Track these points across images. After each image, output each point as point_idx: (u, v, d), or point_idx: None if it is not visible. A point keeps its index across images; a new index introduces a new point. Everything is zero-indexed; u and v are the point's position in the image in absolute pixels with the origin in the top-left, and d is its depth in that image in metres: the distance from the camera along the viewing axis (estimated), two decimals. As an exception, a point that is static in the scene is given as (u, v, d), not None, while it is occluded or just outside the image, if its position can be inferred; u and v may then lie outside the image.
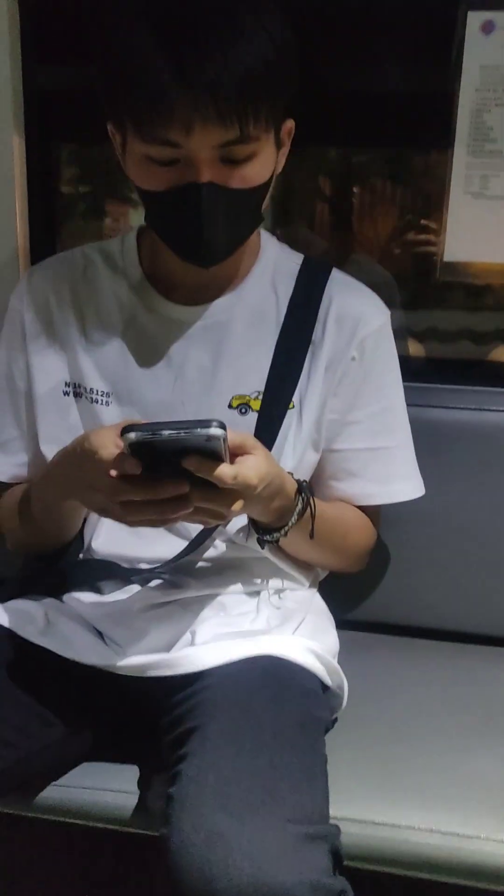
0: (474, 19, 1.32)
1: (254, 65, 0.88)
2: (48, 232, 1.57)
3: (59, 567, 1.16)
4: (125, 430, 0.81)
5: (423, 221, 1.57)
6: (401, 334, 1.41)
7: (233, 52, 0.87)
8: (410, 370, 1.23)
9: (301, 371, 1.11)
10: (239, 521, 1.10)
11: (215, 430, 0.79)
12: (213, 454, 0.83)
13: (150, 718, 1.05)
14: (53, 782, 1.06)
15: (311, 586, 1.20)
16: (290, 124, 1.03)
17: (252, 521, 1.05)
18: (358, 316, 1.12)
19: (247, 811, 0.81)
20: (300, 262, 1.16)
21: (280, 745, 0.89)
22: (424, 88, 1.42)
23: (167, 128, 0.90)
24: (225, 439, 0.81)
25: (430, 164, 1.56)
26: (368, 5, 1.38)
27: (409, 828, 0.96)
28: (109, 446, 0.87)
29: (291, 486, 1.01)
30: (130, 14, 0.91)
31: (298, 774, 0.87)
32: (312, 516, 1.04)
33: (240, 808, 0.81)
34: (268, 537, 1.04)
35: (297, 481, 1.03)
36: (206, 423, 0.79)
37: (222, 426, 0.80)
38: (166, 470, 0.84)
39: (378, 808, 0.98)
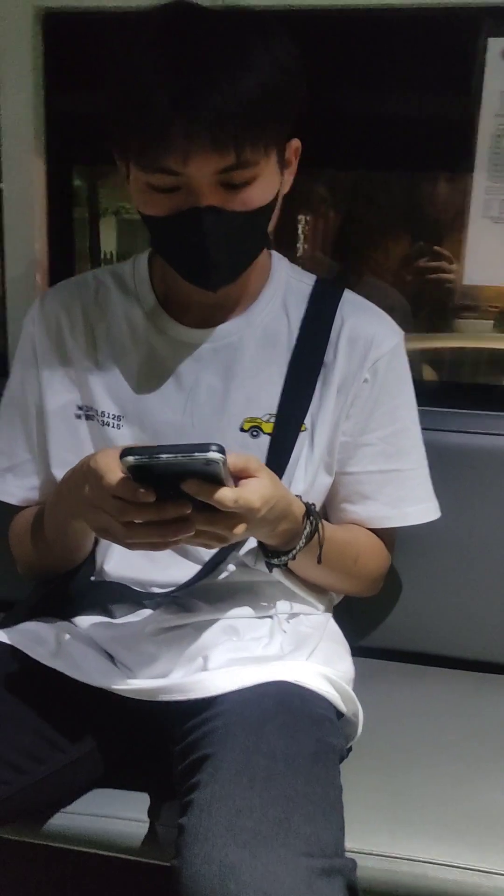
0: (495, 45, 1.33)
1: (252, 92, 0.89)
2: (66, 250, 1.59)
3: (71, 589, 1.15)
4: (123, 454, 0.80)
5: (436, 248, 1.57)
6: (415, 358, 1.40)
7: (231, 81, 0.88)
8: (426, 394, 1.22)
9: (313, 393, 1.10)
10: (249, 545, 1.09)
11: (213, 455, 0.79)
12: (213, 478, 0.83)
13: (161, 744, 1.03)
14: (62, 809, 1.04)
15: (325, 611, 1.19)
16: (295, 144, 1.03)
17: (260, 545, 1.04)
18: (370, 338, 1.11)
19: (260, 843, 0.79)
20: (312, 283, 1.16)
21: (293, 774, 0.87)
22: (445, 114, 1.43)
23: (165, 157, 0.91)
24: (224, 463, 0.81)
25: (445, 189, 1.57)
26: (390, 32, 1.39)
27: (427, 862, 0.93)
28: (114, 468, 0.87)
29: (299, 509, 1.00)
30: (135, 45, 0.92)
31: (313, 805, 0.85)
32: (321, 540, 1.03)
33: (252, 841, 0.79)
34: (276, 560, 1.03)
35: (305, 504, 1.02)
36: (204, 448, 0.79)
37: (221, 450, 0.79)
38: (168, 492, 0.83)
39: (395, 841, 0.96)
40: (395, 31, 1.39)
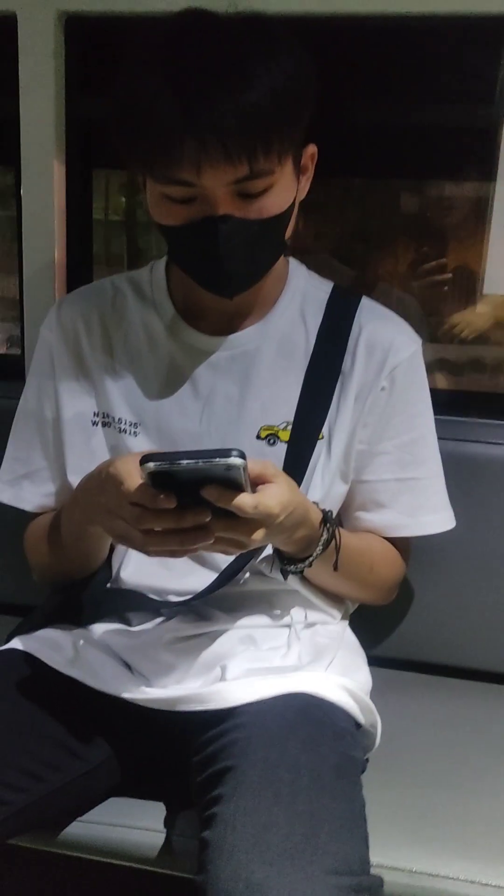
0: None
1: (262, 103, 0.88)
2: (84, 253, 1.59)
3: (87, 597, 1.14)
4: (144, 460, 0.80)
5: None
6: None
7: (241, 93, 0.87)
8: (444, 403, 1.21)
9: (331, 401, 1.10)
10: (265, 552, 1.08)
11: (234, 460, 0.78)
12: (233, 483, 0.82)
13: (177, 754, 1.03)
14: (79, 818, 1.04)
15: (342, 619, 1.18)
16: (311, 150, 1.02)
17: (277, 552, 1.04)
18: (388, 345, 1.10)
19: (286, 861, 0.79)
20: (329, 290, 1.15)
21: (319, 789, 0.87)
22: (468, 122, 1.43)
23: (178, 170, 0.91)
24: (245, 468, 0.80)
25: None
26: (413, 42, 1.39)
27: (448, 878, 0.93)
28: (134, 475, 0.86)
29: (316, 516, 1.00)
30: (142, 57, 0.91)
31: (339, 821, 0.84)
32: (337, 547, 1.03)
33: (279, 858, 0.79)
34: (292, 568, 1.03)
35: (323, 511, 1.02)
36: (225, 453, 0.78)
37: (242, 455, 0.79)
38: (187, 499, 0.83)
39: (416, 857, 0.95)
40: (418, 40, 1.38)
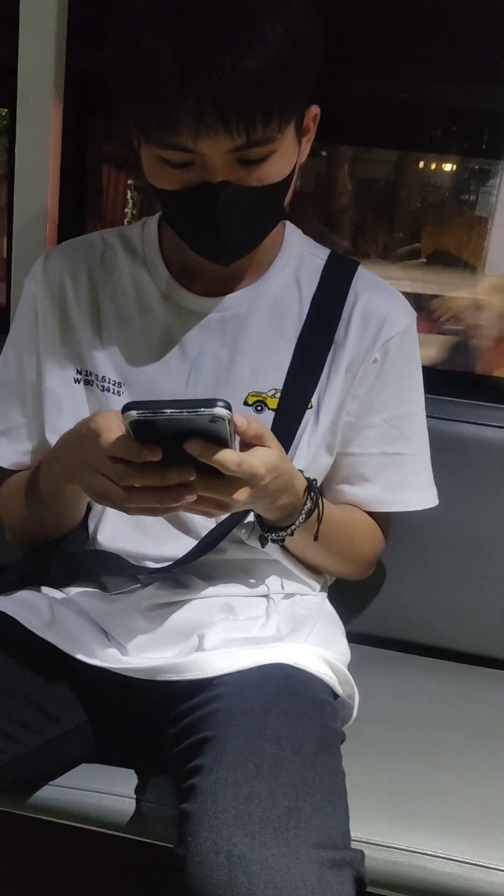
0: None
1: (264, 69, 0.84)
2: (77, 203, 1.56)
3: (63, 557, 1.12)
4: (126, 408, 0.78)
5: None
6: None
7: (242, 57, 0.83)
8: (438, 383, 1.21)
9: (322, 371, 1.08)
10: (244, 519, 1.06)
11: (220, 411, 0.76)
12: (217, 438, 0.80)
13: (153, 723, 1.02)
14: (51, 782, 1.03)
15: (321, 591, 1.18)
16: (314, 111, 0.99)
17: (258, 518, 1.02)
18: (383, 316, 1.09)
19: (269, 833, 0.78)
20: (325, 256, 1.13)
21: (301, 761, 0.86)
22: (478, 104, 1.42)
23: (175, 135, 0.87)
24: (231, 421, 0.79)
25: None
26: (427, 23, 1.37)
27: (425, 854, 0.93)
28: (115, 428, 0.84)
29: (301, 484, 0.99)
30: (138, 13, 0.87)
31: (321, 794, 0.84)
32: (319, 517, 1.02)
33: (261, 830, 0.78)
34: (273, 536, 1.02)
35: (308, 479, 1.00)
36: (210, 403, 0.76)
37: (228, 407, 0.77)
38: (170, 455, 0.81)
39: (394, 832, 0.95)
40: (433, 20, 1.36)
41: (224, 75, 0.83)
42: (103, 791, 1.02)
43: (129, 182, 2.07)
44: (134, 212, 2.09)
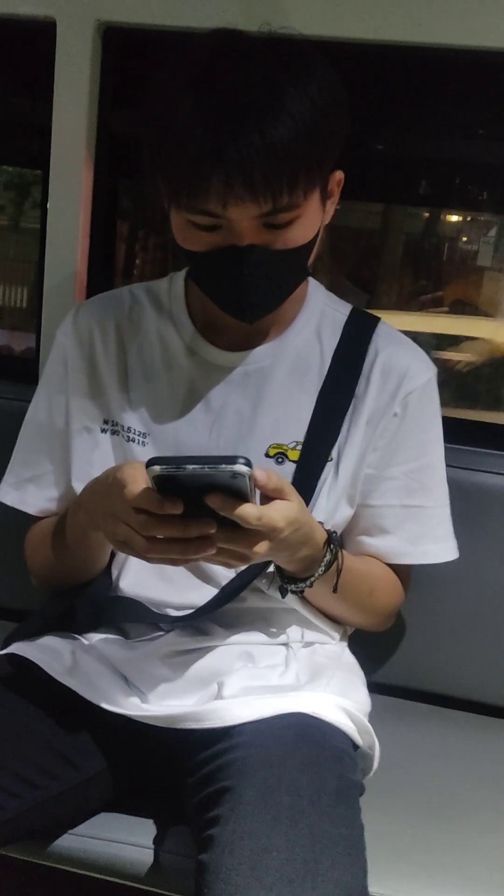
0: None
1: (290, 140, 0.88)
2: (106, 264, 1.59)
3: (86, 603, 1.13)
4: (150, 463, 0.80)
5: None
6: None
7: (269, 130, 0.87)
8: (454, 432, 1.21)
9: (342, 424, 1.09)
10: (265, 569, 1.07)
11: (240, 467, 0.78)
12: (238, 493, 0.82)
13: (172, 771, 1.02)
14: (70, 831, 1.03)
15: (340, 640, 1.18)
16: (338, 176, 1.02)
17: (278, 569, 1.03)
18: (404, 371, 1.10)
19: (287, 886, 0.77)
20: (347, 312, 1.15)
21: (319, 813, 0.85)
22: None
23: (204, 201, 0.91)
24: (251, 478, 0.80)
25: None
26: (443, 71, 1.40)
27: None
28: (139, 479, 0.86)
29: (321, 536, 1.00)
30: (175, 83, 0.91)
31: (339, 847, 0.83)
32: (339, 569, 1.02)
33: (279, 883, 0.78)
34: (292, 587, 1.02)
35: (328, 531, 1.01)
36: (231, 460, 0.78)
37: (248, 464, 0.79)
38: (191, 508, 0.83)
39: (417, 889, 0.93)
40: (448, 70, 1.39)
41: (252, 147, 0.87)
42: (122, 841, 1.01)
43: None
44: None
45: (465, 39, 1.28)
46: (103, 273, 1.57)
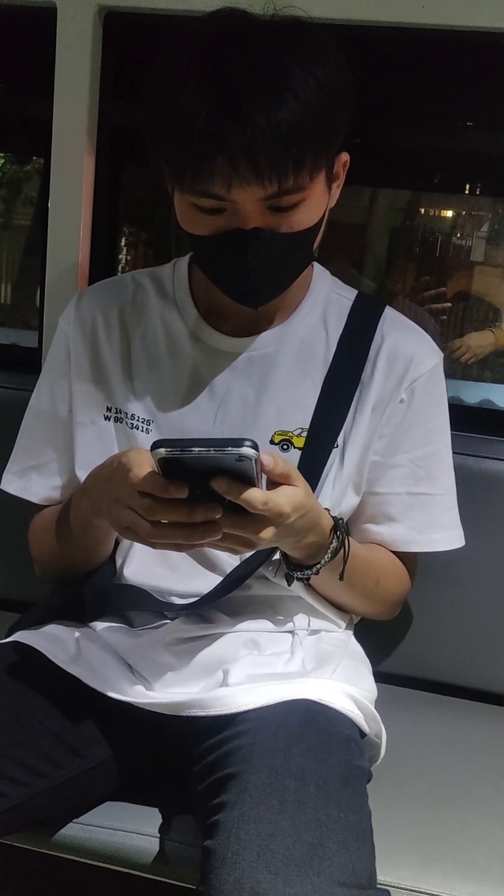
0: None
1: (295, 122, 0.87)
2: (109, 253, 1.58)
3: (91, 592, 1.13)
4: (155, 446, 0.79)
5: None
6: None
7: (275, 111, 0.86)
8: (460, 419, 1.20)
9: (348, 410, 1.08)
10: (270, 557, 1.06)
11: (247, 450, 0.77)
12: (244, 477, 0.81)
13: (177, 759, 1.01)
14: (75, 819, 1.02)
15: (346, 628, 1.17)
16: (344, 157, 1.01)
17: (284, 556, 1.02)
18: (410, 357, 1.09)
19: (292, 871, 0.77)
20: (353, 297, 1.14)
21: (325, 798, 0.85)
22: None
23: (209, 184, 0.90)
24: (257, 461, 0.80)
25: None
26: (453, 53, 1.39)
27: (455, 900, 0.91)
28: (144, 464, 0.86)
29: (327, 523, 0.99)
30: (179, 66, 0.90)
31: (346, 832, 0.83)
32: (345, 556, 1.01)
33: (285, 868, 0.77)
34: (298, 574, 1.01)
35: (334, 518, 1.01)
36: (238, 442, 0.78)
37: (255, 447, 0.78)
38: (197, 492, 0.82)
39: (422, 876, 0.93)
40: (456, 51, 1.38)
41: (258, 129, 0.86)
42: (128, 830, 1.01)
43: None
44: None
45: (470, 21, 1.27)
46: (105, 263, 1.56)
